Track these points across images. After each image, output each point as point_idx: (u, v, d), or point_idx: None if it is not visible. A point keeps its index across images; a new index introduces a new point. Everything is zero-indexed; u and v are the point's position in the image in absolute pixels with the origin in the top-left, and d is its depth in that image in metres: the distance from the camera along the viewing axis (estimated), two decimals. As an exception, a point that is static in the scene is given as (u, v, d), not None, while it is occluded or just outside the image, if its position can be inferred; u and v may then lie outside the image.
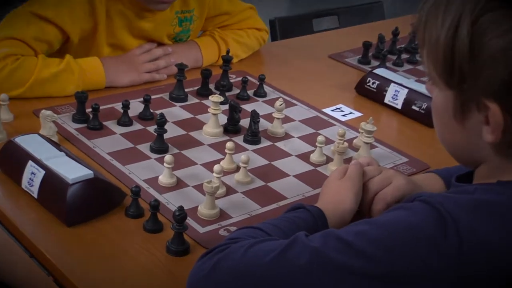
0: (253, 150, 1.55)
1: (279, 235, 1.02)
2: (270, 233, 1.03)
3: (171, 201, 1.33)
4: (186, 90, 1.76)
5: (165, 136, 1.50)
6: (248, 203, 1.35)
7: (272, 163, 1.51)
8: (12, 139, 1.36)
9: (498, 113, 0.90)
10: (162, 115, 1.47)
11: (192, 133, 1.59)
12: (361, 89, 1.89)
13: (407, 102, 1.78)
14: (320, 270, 0.90)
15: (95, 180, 1.27)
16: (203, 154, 1.50)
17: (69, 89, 1.67)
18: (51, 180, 1.26)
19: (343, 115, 1.77)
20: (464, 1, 0.90)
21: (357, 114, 1.79)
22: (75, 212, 1.23)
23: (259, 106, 1.75)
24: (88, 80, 1.71)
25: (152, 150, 1.49)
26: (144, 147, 1.50)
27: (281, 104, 1.60)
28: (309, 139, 1.61)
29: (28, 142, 1.34)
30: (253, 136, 1.57)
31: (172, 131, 1.56)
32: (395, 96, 1.80)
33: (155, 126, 1.48)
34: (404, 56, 2.18)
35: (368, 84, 1.87)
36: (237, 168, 1.44)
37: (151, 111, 1.63)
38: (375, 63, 2.12)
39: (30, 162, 1.29)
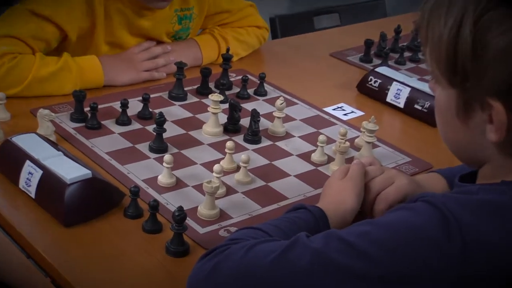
0: (254, 150, 1.55)
1: (280, 236, 1.02)
2: (270, 234, 1.03)
3: (171, 201, 1.33)
4: (185, 88, 1.76)
5: (164, 135, 1.50)
6: (248, 203, 1.35)
7: (272, 162, 1.51)
8: (9, 138, 1.36)
9: (502, 112, 0.90)
10: (161, 114, 1.47)
11: (192, 133, 1.59)
12: (363, 88, 1.89)
13: (410, 101, 1.78)
14: (322, 271, 0.90)
15: (93, 180, 1.26)
16: (203, 154, 1.50)
17: (67, 87, 1.67)
18: (49, 180, 1.26)
19: (345, 114, 1.77)
20: (467, 0, 0.91)
21: (359, 113, 1.79)
22: (73, 212, 1.23)
23: (260, 105, 1.75)
24: (86, 78, 1.71)
25: (151, 149, 1.49)
26: (143, 147, 1.50)
27: (282, 103, 1.60)
28: (310, 138, 1.61)
29: (26, 142, 1.34)
30: (253, 136, 1.57)
31: (171, 130, 1.56)
32: (397, 94, 1.80)
33: (154, 125, 1.48)
34: (407, 54, 2.18)
35: (370, 82, 1.87)
36: (237, 168, 1.44)
37: (150, 110, 1.63)
38: (377, 61, 2.12)
39: (27, 162, 1.29)
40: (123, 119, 1.58)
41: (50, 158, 1.29)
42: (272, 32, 2.44)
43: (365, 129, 1.53)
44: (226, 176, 1.41)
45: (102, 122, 1.57)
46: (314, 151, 1.54)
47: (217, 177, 1.31)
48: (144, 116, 1.62)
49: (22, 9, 1.69)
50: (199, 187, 1.36)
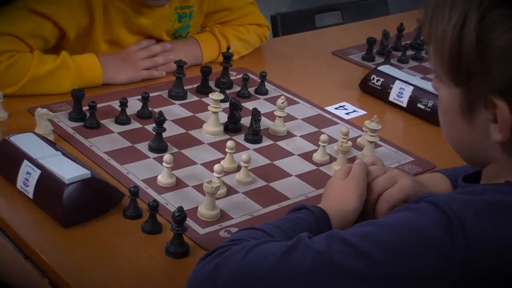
0: (254, 149, 1.55)
1: (281, 237, 1.02)
2: (272, 235, 1.03)
3: (170, 202, 1.33)
4: (185, 87, 1.76)
5: (164, 135, 1.50)
6: (249, 204, 1.35)
7: (273, 162, 1.51)
8: (7, 138, 1.36)
9: (506, 111, 0.90)
10: (161, 113, 1.47)
11: (192, 132, 1.59)
12: (365, 87, 1.89)
13: (413, 100, 1.78)
14: (324, 272, 0.90)
15: (92, 180, 1.26)
16: (203, 154, 1.50)
17: (65, 86, 1.67)
18: (47, 180, 1.26)
19: (347, 113, 1.77)
20: None
21: (361, 112, 1.79)
22: (72, 213, 1.23)
23: (261, 104, 1.75)
24: (85, 77, 1.71)
25: (151, 149, 1.49)
26: (143, 146, 1.50)
27: (283, 102, 1.60)
28: (312, 138, 1.61)
29: (23, 141, 1.34)
30: (254, 135, 1.57)
31: (171, 129, 1.56)
32: (400, 93, 1.80)
33: (154, 125, 1.48)
34: (410, 52, 2.18)
35: (372, 81, 1.87)
36: (238, 168, 1.44)
37: (150, 109, 1.63)
38: (379, 59, 2.12)
39: (25, 162, 1.29)
40: (122, 118, 1.58)
41: (48, 158, 1.29)
42: (273, 30, 2.44)
43: (368, 129, 1.53)
44: (226, 176, 1.41)
45: (101, 121, 1.57)
46: (315, 150, 1.54)
47: (217, 177, 1.31)
48: (143, 115, 1.62)
49: (20, 7, 1.69)
50: (199, 187, 1.36)
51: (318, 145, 1.53)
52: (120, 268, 1.15)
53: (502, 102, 0.90)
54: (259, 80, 1.83)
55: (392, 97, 1.82)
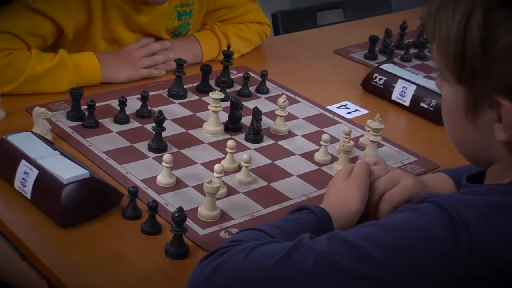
0: (255, 149, 1.55)
1: (282, 237, 1.02)
2: (273, 235, 1.03)
3: (170, 202, 1.33)
4: (185, 86, 1.76)
5: (164, 134, 1.50)
6: (250, 204, 1.35)
7: (275, 162, 1.51)
8: (4, 137, 1.36)
9: (511, 110, 0.90)
10: (160, 112, 1.47)
11: (192, 131, 1.59)
12: (368, 86, 1.89)
13: (416, 99, 1.78)
14: (325, 273, 0.90)
15: (90, 180, 1.26)
16: (203, 153, 1.50)
17: (63, 85, 1.67)
18: (45, 180, 1.26)
19: (349, 113, 1.77)
20: None
21: (363, 111, 1.79)
22: (70, 213, 1.23)
23: (261, 103, 1.75)
24: (83, 75, 1.71)
25: (150, 149, 1.49)
26: (142, 146, 1.50)
27: (284, 101, 1.60)
28: (314, 137, 1.61)
29: (21, 141, 1.34)
30: (255, 135, 1.57)
31: (170, 129, 1.56)
32: (402, 92, 1.80)
33: (153, 124, 1.48)
34: (412, 51, 2.18)
35: (374, 80, 1.87)
36: (239, 168, 1.44)
37: (149, 108, 1.63)
38: (382, 58, 2.12)
39: (23, 161, 1.29)
40: (121, 118, 1.58)
41: (46, 158, 1.29)
42: (274, 28, 2.44)
43: (370, 128, 1.53)
44: (227, 176, 1.41)
45: (100, 120, 1.57)
46: (317, 150, 1.54)
47: (218, 177, 1.31)
48: (142, 114, 1.62)
49: (17, 4, 1.69)
50: (199, 188, 1.36)
51: (320, 145, 1.53)
52: (119, 270, 1.15)
53: (506, 102, 0.90)
54: (260, 79, 1.83)
55: (395, 96, 1.82)
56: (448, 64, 0.94)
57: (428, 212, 0.92)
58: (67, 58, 1.69)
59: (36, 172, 1.26)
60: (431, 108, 1.74)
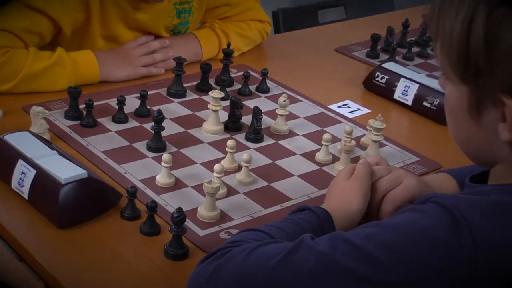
0: (256, 149, 1.55)
1: (283, 238, 1.02)
2: (273, 236, 1.03)
3: (169, 202, 1.33)
4: (184, 85, 1.76)
5: (163, 133, 1.50)
6: (250, 205, 1.35)
7: (275, 162, 1.51)
8: (1, 136, 1.36)
9: (515, 110, 0.90)
10: (159, 111, 1.47)
11: (191, 131, 1.59)
12: (369, 85, 1.89)
13: (418, 98, 1.78)
14: (327, 274, 0.90)
15: (89, 180, 1.27)
16: (203, 153, 1.50)
17: (61, 83, 1.67)
18: (43, 180, 1.26)
19: (350, 112, 1.77)
20: None
21: (365, 110, 1.79)
22: (68, 213, 1.23)
23: (262, 102, 1.75)
24: (81, 74, 1.71)
25: (149, 148, 1.49)
26: (141, 145, 1.50)
27: (285, 100, 1.60)
28: (315, 137, 1.61)
29: (18, 140, 1.34)
30: (255, 134, 1.57)
31: (170, 128, 1.56)
32: (405, 91, 1.80)
33: (152, 123, 1.48)
34: (415, 49, 2.18)
35: (376, 79, 1.87)
36: (239, 168, 1.44)
37: (148, 107, 1.63)
38: (384, 56, 2.12)
39: (20, 161, 1.29)
40: (119, 117, 1.58)
41: (44, 157, 1.29)
42: (275, 26, 2.45)
43: (372, 127, 1.53)
44: (227, 176, 1.41)
45: (98, 119, 1.57)
46: (318, 150, 1.54)
47: (217, 177, 1.31)
48: (141, 113, 1.62)
49: (15, 2, 1.69)
50: (199, 188, 1.36)
51: (321, 145, 1.53)
52: (117, 271, 1.16)
53: (511, 101, 0.90)
54: (260, 78, 1.83)
55: (397, 95, 1.82)
56: (452, 63, 0.94)
57: (431, 212, 0.92)
58: (65, 57, 1.69)
59: (34, 172, 1.26)
60: (434, 108, 1.74)
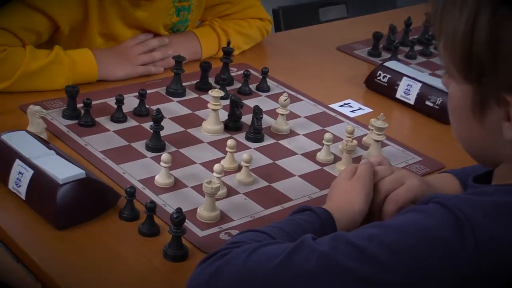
0: (256, 149, 1.55)
1: (284, 239, 1.02)
2: (274, 237, 1.03)
3: (169, 203, 1.33)
4: (184, 84, 1.76)
5: (162, 133, 1.50)
6: (250, 205, 1.36)
7: (276, 162, 1.51)
8: (-2, 136, 1.36)
9: (519, 109, 0.90)
10: (158, 111, 1.47)
11: (191, 130, 1.59)
12: (371, 83, 1.89)
13: (421, 97, 1.78)
14: (328, 275, 0.91)
15: (87, 180, 1.27)
16: (203, 153, 1.50)
17: (59, 82, 1.67)
18: (40, 180, 1.26)
19: (352, 111, 1.77)
20: None
21: (367, 110, 1.79)
22: (66, 214, 1.23)
23: (262, 102, 1.75)
24: (79, 72, 1.71)
25: (148, 148, 1.49)
26: (140, 145, 1.50)
27: (286, 99, 1.60)
28: (316, 136, 1.61)
29: (15, 140, 1.34)
30: (255, 134, 1.57)
31: (169, 128, 1.56)
32: (407, 90, 1.80)
33: (151, 123, 1.48)
34: (417, 48, 2.18)
35: (378, 78, 1.87)
36: (239, 168, 1.44)
37: (147, 106, 1.63)
38: (386, 55, 2.12)
39: (17, 161, 1.29)
40: (118, 116, 1.58)
41: (41, 157, 1.29)
42: (276, 24, 2.45)
43: (374, 127, 1.53)
44: (227, 176, 1.41)
45: (96, 119, 1.57)
46: (319, 150, 1.54)
47: (217, 177, 1.31)
48: (140, 113, 1.62)
49: (12, 0, 1.69)
50: (198, 188, 1.36)
51: (322, 144, 1.53)
52: (116, 272, 1.16)
53: (515, 100, 0.90)
54: (261, 77, 1.83)
55: (399, 94, 1.82)
56: (455, 62, 0.94)
57: (433, 213, 0.92)
58: (62, 55, 1.69)
59: (31, 172, 1.27)
60: (437, 107, 1.74)
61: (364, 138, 1.62)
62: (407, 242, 0.90)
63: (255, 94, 1.80)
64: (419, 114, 1.78)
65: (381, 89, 1.86)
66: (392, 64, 1.89)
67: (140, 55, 1.83)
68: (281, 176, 1.46)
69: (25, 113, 1.51)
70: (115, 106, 1.59)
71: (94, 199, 1.28)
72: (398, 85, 1.82)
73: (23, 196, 1.27)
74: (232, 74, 1.86)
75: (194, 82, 1.80)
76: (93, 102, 1.57)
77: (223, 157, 1.46)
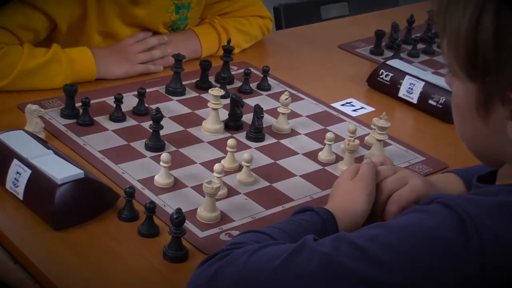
0: (257, 148, 1.55)
1: (285, 239, 1.02)
2: (275, 237, 1.03)
3: (168, 203, 1.33)
4: (183, 83, 1.76)
5: (161, 132, 1.50)
6: (251, 205, 1.36)
7: (277, 162, 1.51)
8: (-4, 135, 1.37)
9: (524, 108, 0.91)
10: (158, 110, 1.47)
11: (191, 130, 1.59)
12: (374, 82, 1.89)
13: (424, 96, 1.78)
14: (330, 276, 0.91)
15: (85, 180, 1.27)
16: (203, 152, 1.51)
17: (57, 80, 1.67)
18: (38, 180, 1.26)
19: (354, 110, 1.77)
20: None
21: (369, 109, 1.79)
22: (64, 214, 1.23)
23: (263, 100, 1.75)
24: (77, 71, 1.71)
25: (147, 147, 1.49)
26: (139, 145, 1.50)
27: (287, 98, 1.60)
28: (317, 136, 1.61)
29: (13, 139, 1.34)
30: (256, 133, 1.57)
31: (168, 127, 1.56)
32: (410, 89, 1.80)
33: (151, 122, 1.48)
34: (420, 46, 2.18)
35: (381, 76, 1.87)
36: (239, 168, 1.44)
37: (146, 105, 1.63)
38: (388, 53, 2.12)
39: (15, 161, 1.29)
40: (117, 115, 1.58)
41: (39, 157, 1.29)
42: (276, 22, 2.45)
43: (376, 126, 1.53)
44: (227, 176, 1.41)
45: (95, 118, 1.57)
46: (321, 149, 1.54)
47: (217, 177, 1.31)
48: (139, 112, 1.62)
49: (10, -2, 1.70)
50: (198, 188, 1.36)
51: (324, 144, 1.53)
52: (115, 273, 1.16)
53: (519, 99, 0.90)
54: (262, 75, 1.83)
55: (402, 93, 1.82)
56: (459, 60, 0.94)
57: (436, 213, 0.92)
58: (60, 53, 1.69)
59: (29, 172, 1.27)
60: (440, 106, 1.74)
61: (366, 138, 1.62)
62: (410, 243, 0.90)
63: (256, 93, 1.80)
64: (422, 113, 1.78)
65: (383, 88, 1.86)
66: (394, 63, 1.89)
67: (139, 53, 1.83)
68: (282, 176, 1.46)
69: (23, 112, 1.51)
70: (114, 105, 1.59)
71: (92, 200, 1.28)
72: (400, 84, 1.82)
73: (20, 197, 1.27)
74: (233, 72, 1.86)
75: (194, 80, 1.80)
76: (92, 101, 1.57)
77: (224, 157, 1.46)
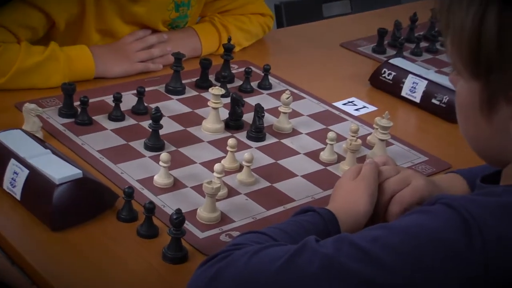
0: (257, 148, 1.55)
1: (286, 240, 1.02)
2: (276, 238, 1.03)
3: (168, 204, 1.33)
4: (183, 81, 1.76)
5: (161, 132, 1.50)
6: (252, 206, 1.36)
7: (278, 162, 1.51)
8: (-7, 135, 1.37)
9: (528, 107, 0.91)
10: (157, 109, 1.47)
11: (191, 129, 1.59)
12: (376, 81, 1.89)
13: (427, 95, 1.78)
14: (332, 277, 0.91)
15: (84, 180, 1.27)
16: (203, 152, 1.51)
17: (55, 79, 1.68)
18: (36, 180, 1.26)
19: (356, 110, 1.77)
20: None
21: (372, 108, 1.79)
22: (62, 215, 1.23)
23: (264, 100, 1.75)
24: (76, 69, 1.71)
25: (147, 147, 1.49)
26: (138, 144, 1.50)
27: (288, 97, 1.60)
28: (319, 135, 1.61)
29: (10, 139, 1.34)
30: (257, 133, 1.57)
31: (168, 126, 1.56)
32: (413, 88, 1.80)
33: (150, 121, 1.48)
34: (423, 44, 2.18)
35: (383, 75, 1.87)
36: (240, 168, 1.45)
37: (145, 104, 1.63)
38: (391, 52, 2.12)
39: (12, 161, 1.29)
40: (116, 115, 1.58)
41: (37, 157, 1.29)
42: (277, 20, 2.45)
43: (378, 126, 1.53)
44: (227, 176, 1.41)
45: (93, 117, 1.57)
46: (323, 149, 1.54)
47: (218, 177, 1.31)
48: (138, 111, 1.62)
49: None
50: (198, 188, 1.36)
51: (326, 143, 1.53)
52: (114, 274, 1.16)
53: (523, 98, 0.90)
54: (262, 74, 1.83)
55: (405, 92, 1.82)
56: (463, 58, 0.94)
57: (439, 214, 0.92)
58: (58, 51, 1.69)
59: (26, 172, 1.27)
60: (443, 105, 1.74)
61: (368, 137, 1.62)
62: (411, 244, 0.91)
63: (257, 92, 1.80)
64: (425, 113, 1.78)
65: (386, 87, 1.86)
66: (397, 61, 1.89)
67: (138, 51, 1.83)
68: (283, 176, 1.46)
69: (20, 111, 1.51)
70: (113, 104, 1.59)
71: (91, 200, 1.28)
72: (403, 82, 1.82)
73: (18, 197, 1.27)
74: (233, 71, 1.86)
75: (194, 79, 1.80)
76: (90, 100, 1.57)
77: (224, 157, 1.47)
